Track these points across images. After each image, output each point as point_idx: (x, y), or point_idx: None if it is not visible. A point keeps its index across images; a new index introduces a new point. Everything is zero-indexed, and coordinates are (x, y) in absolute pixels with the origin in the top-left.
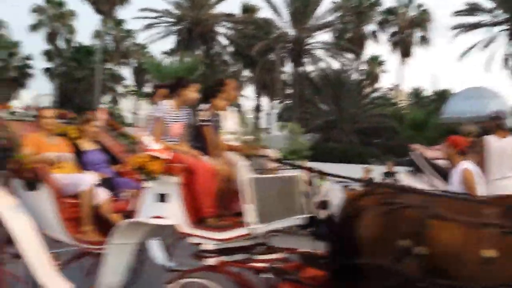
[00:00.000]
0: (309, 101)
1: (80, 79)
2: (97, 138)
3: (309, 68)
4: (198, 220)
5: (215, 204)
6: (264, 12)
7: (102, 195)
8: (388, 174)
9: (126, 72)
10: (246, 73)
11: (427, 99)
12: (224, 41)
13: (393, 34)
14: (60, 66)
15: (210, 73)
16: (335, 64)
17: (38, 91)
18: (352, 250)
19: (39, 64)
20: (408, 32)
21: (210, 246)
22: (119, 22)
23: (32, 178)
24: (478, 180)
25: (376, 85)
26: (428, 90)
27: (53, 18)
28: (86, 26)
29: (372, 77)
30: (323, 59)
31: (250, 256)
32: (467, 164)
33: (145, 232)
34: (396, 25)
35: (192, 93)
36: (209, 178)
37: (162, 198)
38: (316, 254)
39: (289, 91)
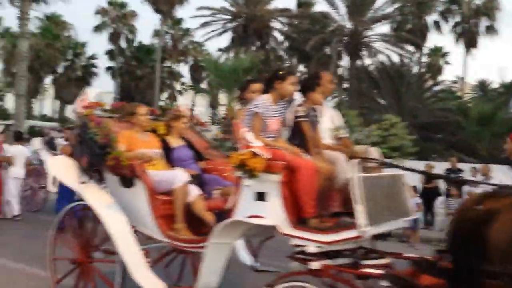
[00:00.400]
0: (367, 96)
1: (140, 77)
2: (184, 134)
3: (366, 61)
4: (299, 220)
5: (316, 204)
6: (320, 6)
7: (194, 193)
8: (451, 171)
9: (184, 70)
10: (301, 68)
11: (494, 92)
12: (279, 36)
13: (456, 24)
14: (122, 65)
15: (265, 68)
16: (395, 57)
17: (102, 88)
18: (481, 257)
19: (103, 63)
20: (473, 21)
21: (313, 248)
22: (178, 21)
23: (129, 175)
24: None
25: (439, 78)
26: (495, 82)
27: (116, 19)
28: (146, 26)
29: (435, 69)
30: (381, 52)
31: (354, 260)
32: None
33: (243, 232)
34: (460, 15)
35: (289, 86)
36: (311, 176)
37: (261, 196)
38: (431, 260)
39: (345, 85)
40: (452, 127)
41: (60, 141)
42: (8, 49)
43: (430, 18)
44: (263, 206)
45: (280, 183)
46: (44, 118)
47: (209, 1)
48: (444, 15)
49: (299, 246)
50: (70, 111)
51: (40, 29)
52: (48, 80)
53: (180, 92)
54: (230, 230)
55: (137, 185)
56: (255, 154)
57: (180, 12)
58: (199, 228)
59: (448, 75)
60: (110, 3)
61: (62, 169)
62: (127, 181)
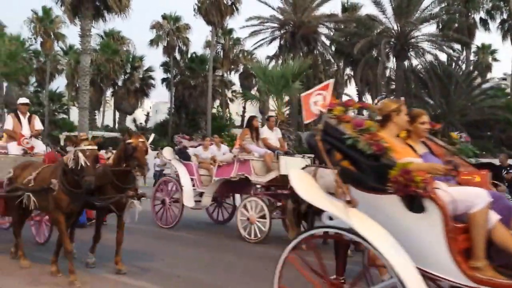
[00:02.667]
0: (415, 96)
1: (194, 86)
2: (423, 137)
3: (414, 62)
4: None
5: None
6: (366, 9)
7: (494, 217)
8: (502, 167)
9: (235, 78)
10: (348, 71)
11: None
12: (326, 41)
13: (503, 21)
14: (176, 75)
15: (313, 73)
16: (442, 57)
17: (158, 99)
18: None
19: (159, 75)
20: None
21: None
22: (228, 32)
23: (420, 195)
24: None
25: (488, 76)
26: None
27: (170, 32)
28: (198, 37)
29: (483, 67)
30: (429, 52)
31: None
32: None
33: None
34: (507, 12)
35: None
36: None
37: None
38: None
39: (393, 87)
40: (501, 124)
41: (193, 150)
42: (72, 65)
43: (477, 16)
44: None
45: None
46: (106, 128)
47: (258, 11)
48: (491, 12)
49: None
50: (129, 121)
51: (100, 45)
52: (108, 92)
53: (231, 100)
54: None
55: (429, 208)
56: None
57: (230, 22)
58: (504, 262)
59: (496, 72)
60: (164, 17)
61: (307, 185)
62: (417, 204)
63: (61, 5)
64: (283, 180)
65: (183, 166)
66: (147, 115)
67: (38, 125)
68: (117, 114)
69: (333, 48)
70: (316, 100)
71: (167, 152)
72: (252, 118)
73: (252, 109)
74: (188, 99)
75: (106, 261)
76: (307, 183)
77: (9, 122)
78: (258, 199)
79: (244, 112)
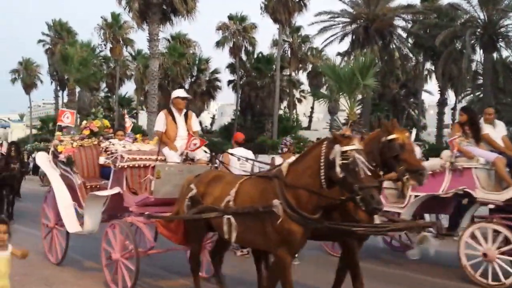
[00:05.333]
0: (505, 91)
1: (260, 87)
2: None
3: (504, 53)
4: None
5: None
6: None
7: None
8: None
9: (303, 77)
10: (428, 65)
11: None
12: (403, 34)
13: None
14: (242, 77)
15: (389, 69)
16: None
17: (224, 101)
18: None
19: (225, 77)
20: None
21: None
22: (296, 29)
23: None
24: None
25: None
26: None
27: (236, 33)
28: (265, 37)
29: None
30: None
31: None
32: None
33: None
34: None
35: None
36: None
37: None
38: None
39: (480, 81)
40: None
41: None
42: (141, 69)
43: None
44: None
45: None
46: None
47: (327, 6)
48: None
49: None
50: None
51: (167, 49)
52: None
53: (299, 100)
54: None
55: None
56: None
57: (298, 19)
58: None
59: None
60: (230, 18)
61: None
62: None
63: (129, 11)
64: None
65: None
66: (213, 117)
67: (195, 125)
68: None
69: (411, 42)
70: None
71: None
72: (466, 110)
73: (320, 109)
74: (254, 100)
75: None
76: None
77: (161, 121)
78: (498, 226)
79: (312, 113)
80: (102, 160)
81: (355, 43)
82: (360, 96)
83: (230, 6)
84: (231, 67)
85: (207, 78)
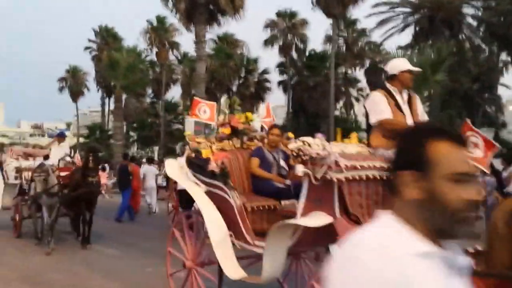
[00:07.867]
0: None
1: (313, 87)
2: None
3: None
4: None
5: None
6: None
7: None
8: None
9: (360, 74)
10: (503, 56)
11: None
12: (473, 23)
13: None
14: (293, 76)
15: (460, 61)
16: None
17: (274, 103)
18: None
19: (274, 77)
20: None
21: None
22: (352, 23)
23: None
24: None
25: None
26: None
27: (286, 30)
28: (317, 32)
29: None
30: None
31: None
32: None
33: None
34: None
35: None
36: None
37: None
38: None
39: None
40: None
41: None
42: (187, 73)
43: None
44: None
45: None
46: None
47: None
48: None
49: None
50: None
51: (214, 50)
52: (222, 99)
53: (357, 99)
54: None
55: None
56: None
57: (354, 12)
58: None
59: None
60: (279, 15)
61: None
62: None
63: (175, 13)
64: None
65: None
66: None
67: (423, 113)
68: None
69: (482, 31)
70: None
71: None
72: None
73: None
74: (307, 101)
75: None
76: None
77: (382, 105)
78: None
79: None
80: (300, 170)
81: (419, 35)
82: (426, 93)
83: (278, 1)
84: (281, 67)
85: (256, 79)
